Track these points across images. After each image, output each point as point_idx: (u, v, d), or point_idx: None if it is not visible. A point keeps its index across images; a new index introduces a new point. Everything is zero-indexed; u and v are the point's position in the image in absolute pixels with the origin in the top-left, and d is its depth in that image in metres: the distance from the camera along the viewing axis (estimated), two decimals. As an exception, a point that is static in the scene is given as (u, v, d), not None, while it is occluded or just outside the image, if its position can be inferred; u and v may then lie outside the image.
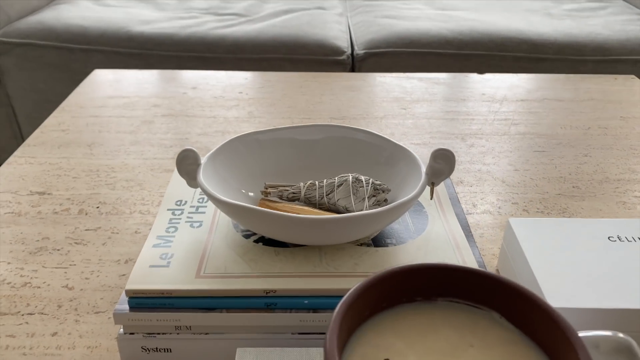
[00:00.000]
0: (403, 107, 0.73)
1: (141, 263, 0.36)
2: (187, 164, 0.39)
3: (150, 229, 0.48)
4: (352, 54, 1.22)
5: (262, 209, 0.34)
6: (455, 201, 0.45)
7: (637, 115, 0.71)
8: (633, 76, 0.84)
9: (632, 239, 0.40)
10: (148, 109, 0.71)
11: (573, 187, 0.56)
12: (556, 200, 0.54)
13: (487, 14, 1.33)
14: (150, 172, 0.57)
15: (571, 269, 0.37)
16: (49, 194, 0.53)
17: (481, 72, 1.12)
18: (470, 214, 0.51)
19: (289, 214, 0.33)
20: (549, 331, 0.22)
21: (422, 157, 0.61)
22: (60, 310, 0.40)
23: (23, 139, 1.30)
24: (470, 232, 0.42)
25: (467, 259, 0.37)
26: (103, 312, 0.40)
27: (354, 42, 1.25)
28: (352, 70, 1.22)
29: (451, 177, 0.57)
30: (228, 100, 0.74)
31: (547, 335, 0.22)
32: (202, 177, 0.38)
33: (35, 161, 0.59)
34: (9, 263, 0.44)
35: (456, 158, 0.61)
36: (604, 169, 0.59)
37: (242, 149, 0.43)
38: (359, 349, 0.23)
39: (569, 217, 0.51)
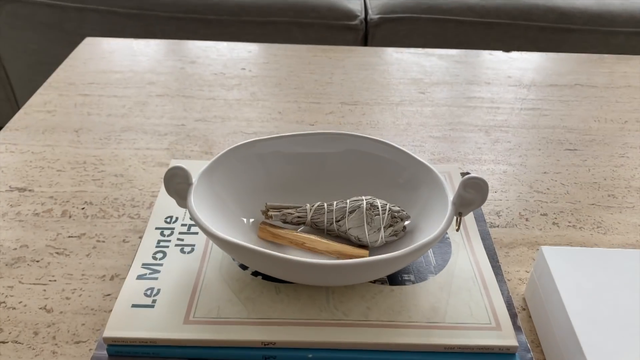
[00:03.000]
0: (421, 90, 0.67)
1: (122, 301, 0.32)
2: (177, 182, 0.33)
3: (139, 242, 0.43)
4: (365, 19, 1.13)
5: (263, 250, 0.29)
6: (480, 218, 0.40)
7: (679, 107, 0.65)
8: (673, 58, 0.76)
9: (684, 279, 0.35)
10: (142, 87, 0.65)
11: (609, 195, 0.50)
12: (589, 211, 0.48)
13: (512, -24, 1.24)
14: (142, 165, 0.52)
15: (614, 315, 0.32)
16: (30, 190, 0.49)
17: (507, 49, 1.04)
18: (495, 226, 0.46)
19: (293, 258, 0.28)
20: None
21: (443, 153, 0.55)
22: (36, 338, 0.36)
23: (17, 101, 1.24)
24: (498, 261, 0.37)
25: (495, 302, 0.33)
26: (84, 341, 0.36)
27: (368, 6, 1.16)
28: (365, 37, 1.14)
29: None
30: (229, 78, 0.68)
31: None
32: (193, 201, 0.32)
33: (17, 149, 0.54)
34: (-19, 277, 0.40)
35: (479, 156, 0.55)
36: (643, 173, 0.53)
37: (240, 163, 0.37)
38: None
39: (604, 233, 0.46)
